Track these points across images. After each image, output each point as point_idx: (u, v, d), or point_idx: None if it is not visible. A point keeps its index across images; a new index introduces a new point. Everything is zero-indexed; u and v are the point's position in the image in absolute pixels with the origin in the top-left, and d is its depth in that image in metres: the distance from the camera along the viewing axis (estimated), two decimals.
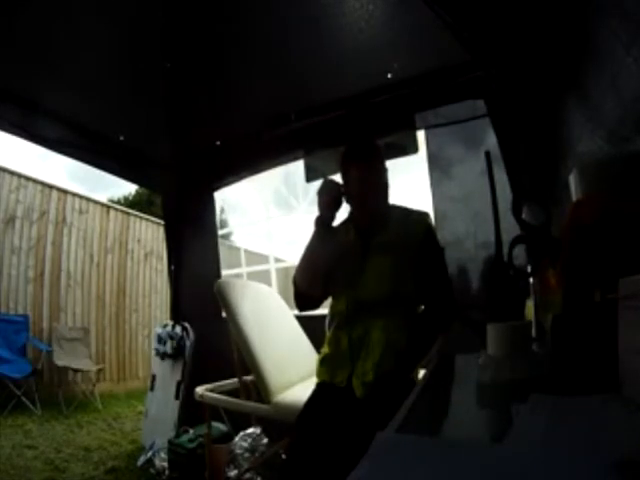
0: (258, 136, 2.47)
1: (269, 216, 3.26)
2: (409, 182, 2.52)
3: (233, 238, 5.49)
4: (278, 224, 3.52)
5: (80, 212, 4.82)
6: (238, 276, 3.40)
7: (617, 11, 0.78)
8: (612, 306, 0.50)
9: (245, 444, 1.78)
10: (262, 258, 3.58)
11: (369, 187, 1.19)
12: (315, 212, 1.22)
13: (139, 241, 5.58)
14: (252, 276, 3.23)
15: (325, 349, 1.25)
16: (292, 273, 1.28)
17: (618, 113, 0.85)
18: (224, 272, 3.17)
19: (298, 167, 2.67)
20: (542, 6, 1.15)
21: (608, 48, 0.84)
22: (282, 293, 2.27)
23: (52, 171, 22.13)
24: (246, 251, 3.96)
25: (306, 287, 1.25)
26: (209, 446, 1.89)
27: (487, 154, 0.93)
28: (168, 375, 2.75)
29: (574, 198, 0.74)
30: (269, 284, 3.02)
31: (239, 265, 3.62)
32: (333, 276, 1.24)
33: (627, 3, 0.76)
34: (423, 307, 1.24)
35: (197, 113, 2.34)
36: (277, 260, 3.49)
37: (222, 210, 3.21)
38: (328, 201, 1.20)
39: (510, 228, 0.87)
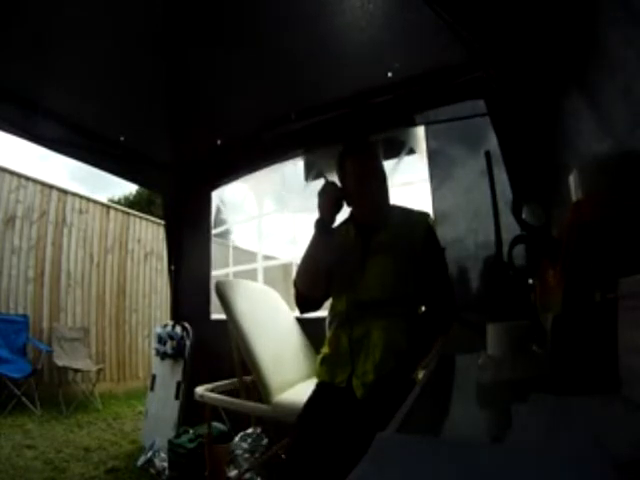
0: (258, 136, 2.47)
1: (264, 213, 3.23)
2: (409, 182, 2.51)
3: (232, 237, 5.48)
4: (274, 222, 3.51)
5: (80, 212, 4.82)
6: (236, 275, 3.39)
7: (621, 9, 0.78)
8: (612, 306, 0.50)
9: (245, 444, 1.78)
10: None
11: (367, 182, 1.19)
12: (312, 211, 1.22)
13: (139, 241, 5.58)
14: (244, 274, 3.20)
15: (325, 349, 1.24)
16: (289, 271, 1.29)
17: (619, 112, 0.85)
18: (223, 271, 3.17)
19: (295, 165, 2.68)
20: (541, 6, 1.15)
21: (611, 47, 0.84)
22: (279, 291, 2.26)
23: (52, 171, 22.20)
24: (244, 250, 3.96)
25: (307, 289, 1.25)
26: (209, 446, 1.88)
27: (487, 154, 0.93)
28: (168, 375, 2.75)
29: (574, 198, 0.74)
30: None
31: (239, 264, 3.62)
32: (334, 276, 1.23)
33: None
34: (423, 308, 1.23)
35: (197, 113, 2.34)
36: (269, 258, 3.45)
37: (220, 210, 3.20)
38: (328, 203, 1.20)
39: (510, 228, 0.87)
